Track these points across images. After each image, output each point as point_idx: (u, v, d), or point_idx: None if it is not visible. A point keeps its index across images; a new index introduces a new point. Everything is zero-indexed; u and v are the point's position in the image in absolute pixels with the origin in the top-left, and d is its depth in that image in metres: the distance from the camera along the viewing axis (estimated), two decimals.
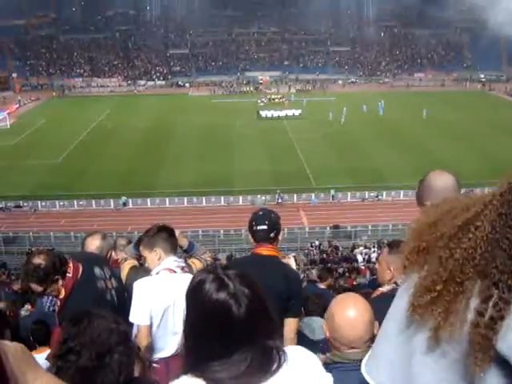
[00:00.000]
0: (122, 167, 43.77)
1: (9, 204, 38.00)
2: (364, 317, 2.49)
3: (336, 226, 33.45)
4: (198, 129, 55.75)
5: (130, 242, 5.64)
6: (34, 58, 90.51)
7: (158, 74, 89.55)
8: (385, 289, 3.56)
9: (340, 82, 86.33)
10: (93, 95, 79.81)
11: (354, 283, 16.55)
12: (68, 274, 3.77)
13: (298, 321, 3.77)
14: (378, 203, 38.09)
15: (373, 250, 26.91)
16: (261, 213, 4.03)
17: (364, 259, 25.53)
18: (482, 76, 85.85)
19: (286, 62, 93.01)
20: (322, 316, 4.81)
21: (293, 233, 31.92)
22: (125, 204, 38.04)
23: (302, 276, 18.55)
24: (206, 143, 50.50)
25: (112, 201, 38.10)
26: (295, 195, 38.61)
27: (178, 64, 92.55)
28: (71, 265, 3.84)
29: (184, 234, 4.93)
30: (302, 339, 4.33)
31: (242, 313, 1.57)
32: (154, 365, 3.65)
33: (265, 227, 3.91)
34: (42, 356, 3.62)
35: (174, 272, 3.79)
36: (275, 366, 1.62)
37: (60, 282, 3.76)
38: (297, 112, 61.16)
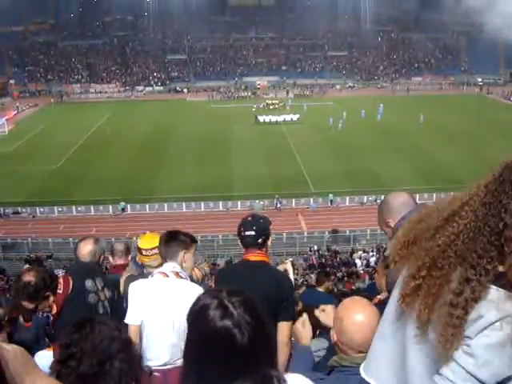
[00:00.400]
0: (121, 173, 43.76)
1: (7, 210, 37.97)
2: (371, 321, 2.49)
3: (335, 231, 33.46)
4: (197, 134, 55.77)
5: (127, 248, 5.63)
6: (32, 65, 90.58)
7: (156, 80, 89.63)
8: (382, 296, 3.56)
9: (338, 86, 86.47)
10: (91, 101, 79.85)
11: (353, 287, 16.57)
12: (58, 291, 3.80)
13: (291, 324, 3.75)
14: (377, 207, 38.04)
15: (371, 254, 26.93)
16: (249, 218, 4.03)
17: (363, 263, 25.55)
18: (480, 79, 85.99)
19: (283, 67, 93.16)
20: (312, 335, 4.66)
21: (291, 237, 31.96)
22: (123, 210, 38.02)
23: (301, 280, 18.57)
24: (204, 148, 50.51)
25: (111, 206, 38.09)
26: (294, 200, 38.60)
27: (176, 69, 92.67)
28: (61, 280, 3.88)
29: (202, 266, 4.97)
30: None
31: (245, 341, 1.56)
32: (155, 373, 3.64)
33: (252, 233, 3.91)
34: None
35: (167, 276, 3.76)
36: None
37: (51, 299, 3.79)
38: (295, 117, 61.21)
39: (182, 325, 3.68)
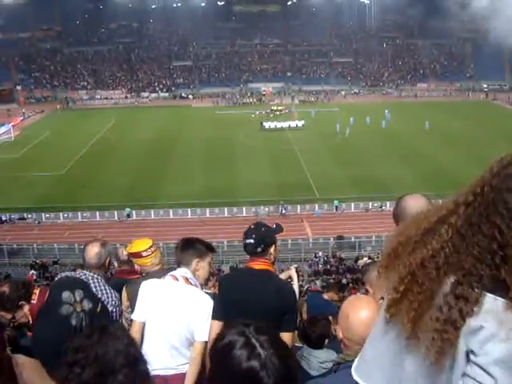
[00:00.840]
0: (126, 179, 43.84)
1: (13, 216, 38.07)
2: (376, 317, 2.53)
3: (340, 237, 33.41)
4: (202, 140, 55.86)
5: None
6: (39, 71, 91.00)
7: (162, 86, 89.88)
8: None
9: (343, 92, 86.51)
10: (96, 107, 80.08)
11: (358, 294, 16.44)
12: (32, 301, 3.87)
13: (293, 335, 3.74)
14: (382, 214, 37.95)
15: (377, 260, 26.81)
16: (252, 226, 4.03)
17: None
18: (485, 86, 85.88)
19: (288, 74, 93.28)
20: (319, 346, 4.70)
21: (297, 244, 31.93)
22: (129, 216, 38.08)
23: (306, 287, 18.52)
24: (209, 155, 50.58)
25: (116, 212, 38.15)
26: (299, 206, 38.58)
27: (182, 76, 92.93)
28: (37, 291, 3.97)
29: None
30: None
31: (271, 383, 1.49)
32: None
33: (251, 241, 3.91)
34: None
35: (177, 280, 3.82)
36: None
37: (26, 308, 3.87)
38: (300, 123, 61.25)
39: (183, 330, 3.69)
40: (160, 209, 38.53)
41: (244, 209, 38.36)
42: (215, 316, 3.67)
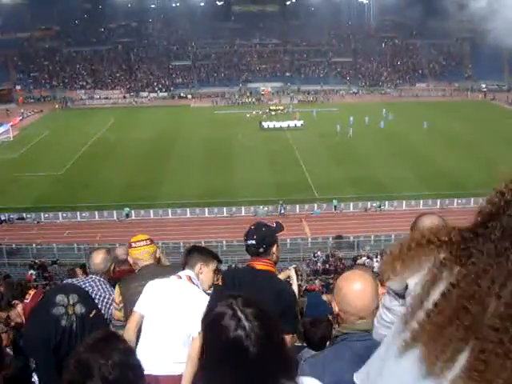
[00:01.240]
0: (125, 179, 43.85)
1: (12, 216, 38.07)
2: (369, 286, 2.70)
3: (339, 237, 33.46)
4: (201, 140, 55.88)
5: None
6: (37, 71, 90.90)
7: (161, 86, 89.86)
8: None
9: (342, 92, 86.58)
10: (95, 107, 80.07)
11: None
12: (26, 300, 3.96)
13: (293, 337, 3.76)
14: (381, 213, 38.09)
15: (375, 260, 26.87)
16: (252, 227, 4.06)
17: None
18: (484, 86, 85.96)
19: (287, 73, 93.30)
20: (321, 347, 4.63)
21: (296, 243, 31.96)
22: (128, 215, 38.09)
23: (305, 286, 18.55)
24: (208, 154, 50.61)
25: (115, 212, 38.17)
26: (298, 206, 38.61)
27: (180, 76, 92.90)
28: (31, 292, 4.13)
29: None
30: None
31: (256, 353, 1.58)
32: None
33: (253, 242, 3.94)
34: None
35: (180, 278, 3.90)
36: None
37: (19, 307, 3.95)
38: (299, 123, 61.30)
39: (182, 326, 3.72)
40: (159, 208, 38.55)
41: (243, 208, 38.38)
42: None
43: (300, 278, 23.43)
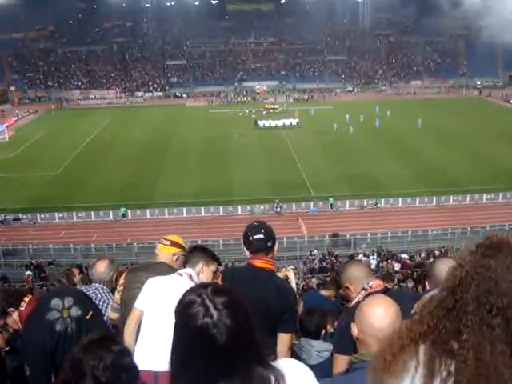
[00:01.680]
0: (121, 178, 43.79)
1: (8, 217, 37.97)
2: (391, 309, 2.64)
3: (335, 235, 33.46)
4: (196, 139, 55.84)
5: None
6: (32, 71, 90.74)
7: (156, 85, 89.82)
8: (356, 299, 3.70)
9: (337, 90, 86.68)
10: (91, 107, 79.96)
11: None
12: (21, 307, 4.00)
13: (292, 336, 3.78)
14: (377, 211, 38.13)
15: (372, 258, 26.94)
16: (255, 223, 4.07)
17: None
18: (479, 83, 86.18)
19: (282, 72, 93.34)
20: (316, 336, 4.80)
21: (292, 242, 31.94)
22: (124, 215, 38.03)
23: (301, 285, 18.58)
24: (204, 153, 50.59)
25: (111, 212, 38.08)
26: (294, 204, 38.62)
27: (176, 75, 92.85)
28: (26, 299, 4.16)
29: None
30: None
31: (224, 342, 1.61)
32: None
33: (262, 236, 3.92)
34: None
35: (181, 275, 3.93)
36: None
37: (15, 314, 4.00)
38: (294, 121, 61.31)
39: None
40: (155, 208, 38.51)
41: (239, 207, 38.38)
42: None
43: (297, 276, 23.47)
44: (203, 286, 1.76)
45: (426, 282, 3.72)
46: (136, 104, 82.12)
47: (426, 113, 64.05)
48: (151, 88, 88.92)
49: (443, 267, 3.50)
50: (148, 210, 38.24)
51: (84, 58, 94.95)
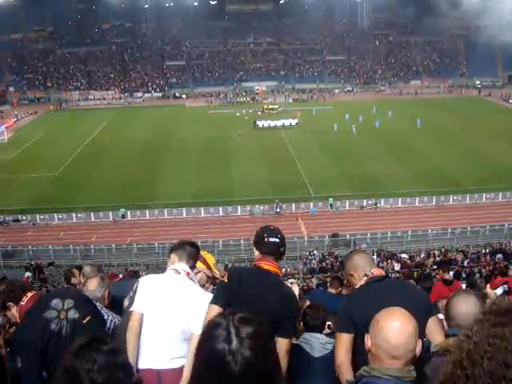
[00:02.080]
0: (121, 179, 43.77)
1: (7, 218, 37.95)
2: (409, 325, 2.49)
3: (335, 235, 33.46)
4: (196, 140, 55.82)
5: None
6: (31, 72, 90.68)
7: (155, 86, 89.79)
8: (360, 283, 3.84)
9: (336, 90, 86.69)
10: (90, 108, 79.97)
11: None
12: (21, 302, 4.12)
13: (290, 341, 3.77)
14: (377, 211, 38.13)
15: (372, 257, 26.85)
16: (272, 227, 4.11)
17: None
18: (478, 82, 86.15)
19: (281, 72, 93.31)
20: (319, 330, 4.79)
21: (292, 242, 31.88)
22: (123, 216, 38.01)
23: (302, 285, 18.55)
24: (203, 154, 50.57)
25: (111, 213, 38.06)
26: (294, 204, 38.61)
27: (175, 75, 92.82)
28: (29, 294, 4.21)
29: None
30: (302, 355, 4.36)
31: (237, 371, 1.56)
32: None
33: (277, 240, 3.96)
34: None
35: (179, 273, 3.90)
36: None
37: (14, 309, 4.13)
38: (293, 122, 61.30)
39: (182, 322, 3.72)
40: (155, 209, 38.48)
41: (239, 208, 38.36)
42: (215, 301, 3.67)
43: (297, 275, 23.46)
44: (233, 312, 1.71)
45: (445, 323, 3.74)
46: (135, 105, 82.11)
47: (426, 113, 64.07)
48: (150, 88, 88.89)
49: (460, 305, 3.59)
50: (148, 211, 38.22)
51: (83, 58, 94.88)
